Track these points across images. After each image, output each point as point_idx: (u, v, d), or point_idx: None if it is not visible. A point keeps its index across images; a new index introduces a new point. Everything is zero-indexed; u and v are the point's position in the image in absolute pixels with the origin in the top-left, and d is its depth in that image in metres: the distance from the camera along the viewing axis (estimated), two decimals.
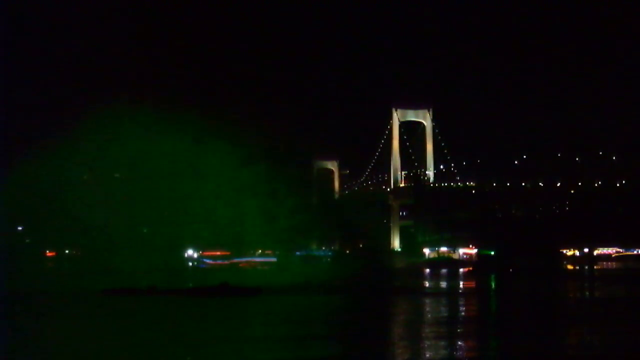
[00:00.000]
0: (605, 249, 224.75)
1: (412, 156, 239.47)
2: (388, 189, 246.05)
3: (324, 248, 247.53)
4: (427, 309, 75.27)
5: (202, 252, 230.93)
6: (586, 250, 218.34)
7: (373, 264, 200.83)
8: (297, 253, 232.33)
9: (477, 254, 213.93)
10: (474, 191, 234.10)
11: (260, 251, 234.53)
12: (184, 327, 59.54)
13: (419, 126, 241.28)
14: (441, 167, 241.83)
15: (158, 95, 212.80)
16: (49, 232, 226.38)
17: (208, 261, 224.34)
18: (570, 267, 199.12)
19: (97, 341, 51.62)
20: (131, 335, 55.21)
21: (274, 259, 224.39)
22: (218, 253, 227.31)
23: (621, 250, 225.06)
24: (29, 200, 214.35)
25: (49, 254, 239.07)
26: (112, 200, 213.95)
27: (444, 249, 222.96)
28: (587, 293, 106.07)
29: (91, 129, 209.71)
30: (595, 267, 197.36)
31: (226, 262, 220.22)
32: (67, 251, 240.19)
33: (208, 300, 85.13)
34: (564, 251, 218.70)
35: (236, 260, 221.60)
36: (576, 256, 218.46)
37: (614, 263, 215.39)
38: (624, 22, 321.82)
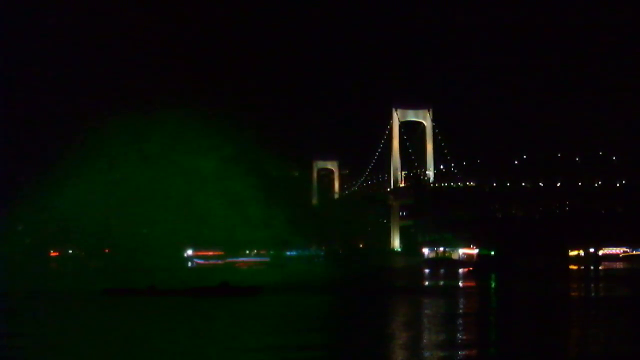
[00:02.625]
0: (613, 248, 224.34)
1: (412, 156, 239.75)
2: (388, 189, 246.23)
3: (324, 248, 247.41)
4: (427, 309, 75.26)
5: (195, 252, 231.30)
6: (592, 250, 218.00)
7: (369, 264, 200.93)
8: (288, 253, 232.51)
9: (477, 254, 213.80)
10: (474, 191, 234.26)
11: (255, 251, 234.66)
12: (186, 326, 59.45)
13: (419, 126, 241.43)
14: (441, 167, 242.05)
15: (157, 96, 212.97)
16: (49, 233, 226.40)
17: (199, 261, 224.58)
18: (573, 267, 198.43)
19: (93, 341, 51.59)
20: (130, 335, 55.17)
21: (267, 259, 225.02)
22: (211, 253, 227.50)
23: (628, 250, 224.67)
24: (29, 200, 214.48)
25: (52, 253, 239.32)
26: (112, 201, 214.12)
27: (443, 248, 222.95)
28: (587, 294, 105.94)
29: (92, 130, 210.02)
30: (599, 267, 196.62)
31: (220, 261, 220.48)
32: (70, 251, 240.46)
33: (209, 299, 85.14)
34: (568, 251, 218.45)
35: (231, 260, 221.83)
36: (580, 256, 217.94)
37: (620, 263, 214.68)
38: (624, 21, 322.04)
